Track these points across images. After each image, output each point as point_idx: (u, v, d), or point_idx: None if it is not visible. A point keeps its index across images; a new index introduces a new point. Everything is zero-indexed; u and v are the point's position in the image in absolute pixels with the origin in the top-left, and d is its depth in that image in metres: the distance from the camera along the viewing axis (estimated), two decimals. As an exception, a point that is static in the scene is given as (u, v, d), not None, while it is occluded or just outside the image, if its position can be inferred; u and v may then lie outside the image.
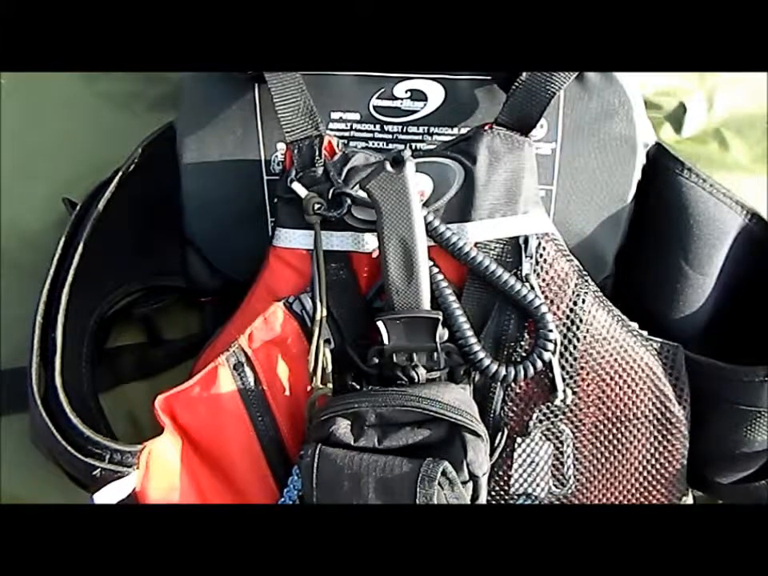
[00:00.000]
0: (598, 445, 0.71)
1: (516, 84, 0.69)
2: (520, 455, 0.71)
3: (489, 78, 0.74)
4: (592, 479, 0.72)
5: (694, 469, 0.73)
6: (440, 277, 0.68)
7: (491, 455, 0.69)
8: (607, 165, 0.74)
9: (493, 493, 0.72)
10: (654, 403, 0.71)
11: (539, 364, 0.68)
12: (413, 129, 0.75)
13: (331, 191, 0.68)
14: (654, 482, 0.72)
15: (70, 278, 0.70)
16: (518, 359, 0.69)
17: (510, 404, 0.70)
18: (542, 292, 0.69)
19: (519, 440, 0.71)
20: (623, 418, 0.71)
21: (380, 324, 0.67)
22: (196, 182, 0.75)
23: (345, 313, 0.70)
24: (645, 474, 0.72)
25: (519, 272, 0.69)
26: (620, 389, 0.70)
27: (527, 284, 0.68)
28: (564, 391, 0.69)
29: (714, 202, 0.73)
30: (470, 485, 0.63)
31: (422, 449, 0.62)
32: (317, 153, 0.69)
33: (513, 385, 0.70)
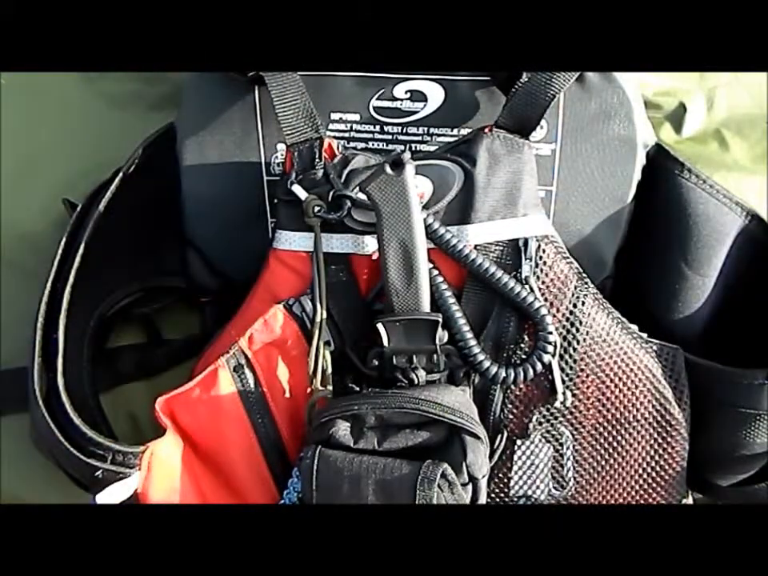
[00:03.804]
0: (598, 447, 0.71)
1: (516, 86, 0.69)
2: (520, 457, 0.71)
3: (488, 78, 0.74)
4: (592, 481, 0.72)
5: (694, 471, 0.73)
6: (440, 279, 0.68)
7: (491, 457, 0.69)
8: (607, 165, 0.74)
9: (492, 495, 0.72)
10: (653, 405, 0.71)
11: (539, 366, 0.68)
12: (413, 129, 0.75)
13: (331, 194, 0.68)
14: (654, 485, 0.72)
15: (71, 279, 0.70)
16: (518, 361, 0.69)
17: (509, 406, 0.71)
18: (542, 294, 0.69)
19: (519, 442, 0.71)
20: (623, 421, 0.71)
21: (380, 326, 0.67)
22: (196, 182, 0.75)
23: (345, 315, 0.70)
24: (644, 476, 0.72)
25: (519, 274, 0.68)
26: (620, 391, 0.70)
27: (527, 286, 0.68)
28: (564, 393, 0.69)
29: (713, 203, 0.73)
30: (470, 487, 0.63)
31: (422, 451, 0.63)
32: (317, 155, 0.69)
33: (512, 387, 0.70)
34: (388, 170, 0.65)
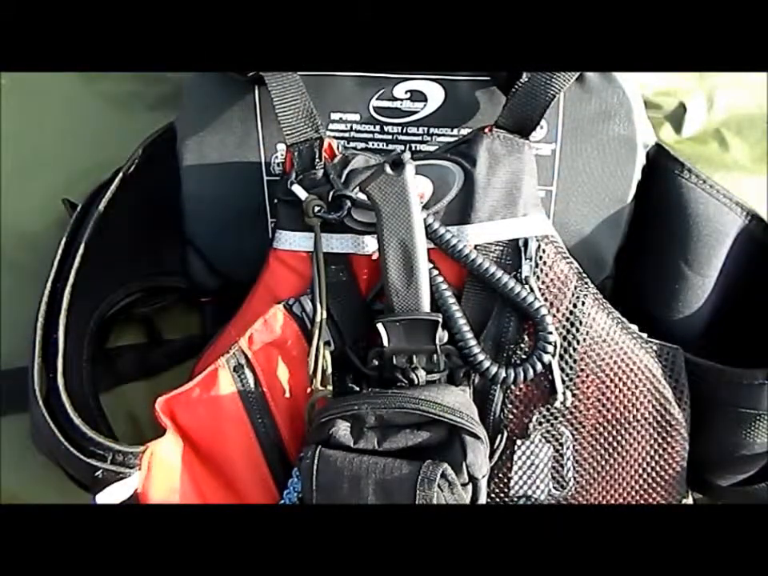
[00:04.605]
0: (598, 447, 0.71)
1: (516, 86, 0.69)
2: (520, 457, 0.71)
3: (488, 78, 0.74)
4: (592, 481, 0.72)
5: (694, 471, 0.73)
6: (440, 279, 0.68)
7: (491, 457, 0.69)
8: (607, 165, 0.74)
9: (492, 495, 0.72)
10: (653, 406, 0.71)
11: (539, 366, 0.68)
12: (413, 129, 0.75)
13: (331, 194, 0.68)
14: (654, 485, 0.72)
15: (71, 279, 0.71)
16: (518, 361, 0.69)
17: (509, 406, 0.71)
18: (542, 294, 0.69)
19: (519, 442, 0.71)
20: (623, 421, 0.71)
21: (380, 326, 0.67)
22: (196, 182, 0.75)
23: (345, 315, 0.70)
24: (644, 476, 0.72)
25: (519, 274, 0.68)
26: (620, 391, 0.70)
27: (527, 286, 0.68)
28: (564, 393, 0.69)
29: (713, 203, 0.73)
30: (470, 487, 0.63)
31: (422, 451, 0.63)
32: (317, 155, 0.69)
33: (512, 387, 0.70)
34: (388, 170, 0.65)
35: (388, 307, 0.67)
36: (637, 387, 0.70)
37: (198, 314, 0.84)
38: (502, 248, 0.69)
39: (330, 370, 0.68)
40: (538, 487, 0.72)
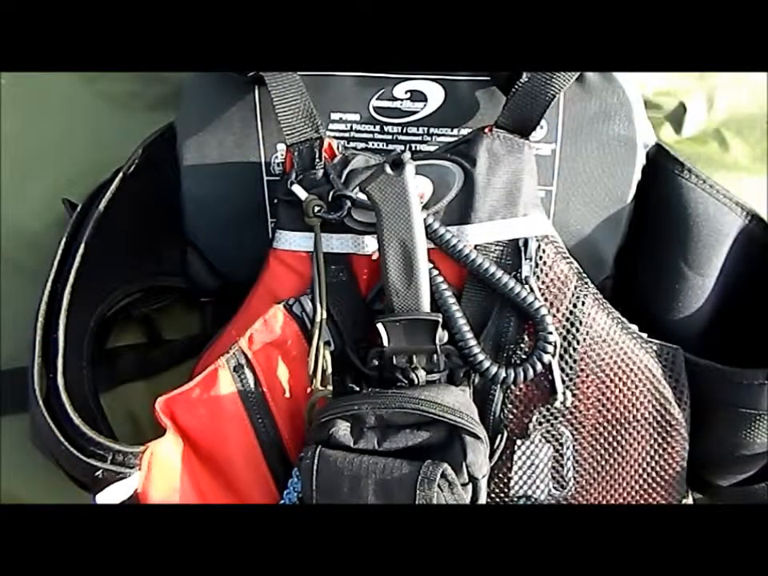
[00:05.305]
0: (598, 447, 0.71)
1: (516, 86, 0.69)
2: (520, 457, 0.71)
3: (488, 78, 0.74)
4: (591, 481, 0.72)
5: (694, 471, 0.73)
6: (440, 279, 0.68)
7: (491, 457, 0.69)
8: (607, 165, 0.74)
9: (492, 495, 0.72)
10: (653, 405, 0.70)
11: (539, 366, 0.68)
12: (413, 129, 0.75)
13: (331, 194, 0.68)
14: (654, 485, 0.72)
15: (71, 279, 0.71)
16: (518, 361, 0.69)
17: (509, 406, 0.70)
18: (542, 294, 0.69)
19: (519, 442, 0.71)
20: (623, 421, 0.71)
21: (380, 326, 0.67)
22: (196, 182, 0.75)
23: (345, 315, 0.70)
24: (644, 476, 0.72)
25: (519, 274, 0.68)
26: (620, 391, 0.70)
27: (527, 286, 0.68)
28: (564, 393, 0.69)
29: (713, 203, 0.73)
30: (470, 487, 0.63)
31: (422, 451, 0.63)
32: (317, 155, 0.69)
33: (512, 387, 0.70)
34: (388, 170, 0.65)
35: (388, 307, 0.67)
36: (637, 387, 0.70)
37: (198, 313, 0.85)
38: (501, 248, 0.69)
39: (330, 370, 0.68)
40: (537, 487, 0.72)
